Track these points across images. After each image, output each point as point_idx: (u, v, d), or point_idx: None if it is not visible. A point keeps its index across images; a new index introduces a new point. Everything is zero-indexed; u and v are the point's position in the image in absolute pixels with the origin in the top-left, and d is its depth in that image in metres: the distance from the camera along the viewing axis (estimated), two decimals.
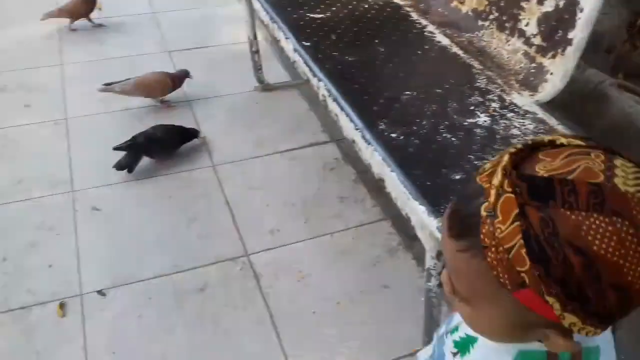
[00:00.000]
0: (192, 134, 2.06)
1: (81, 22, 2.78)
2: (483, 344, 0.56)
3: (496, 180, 0.43)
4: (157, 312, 1.50)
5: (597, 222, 0.40)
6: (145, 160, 1.97)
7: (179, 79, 2.26)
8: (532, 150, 0.46)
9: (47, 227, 1.74)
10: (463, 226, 0.46)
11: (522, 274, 0.42)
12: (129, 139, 1.95)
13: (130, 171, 1.94)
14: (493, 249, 0.43)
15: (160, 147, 2.00)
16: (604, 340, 0.54)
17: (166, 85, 2.22)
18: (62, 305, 1.52)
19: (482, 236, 0.43)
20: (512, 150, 0.45)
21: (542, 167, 0.43)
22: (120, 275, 1.60)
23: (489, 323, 0.51)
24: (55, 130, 2.13)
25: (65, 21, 2.75)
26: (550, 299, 0.42)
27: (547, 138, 0.46)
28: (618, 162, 0.43)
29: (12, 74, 2.44)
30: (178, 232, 1.74)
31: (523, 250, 0.41)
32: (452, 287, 0.51)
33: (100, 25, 2.83)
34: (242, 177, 1.96)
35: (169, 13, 3.01)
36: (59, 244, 1.69)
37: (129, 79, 2.19)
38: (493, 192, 0.43)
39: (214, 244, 1.70)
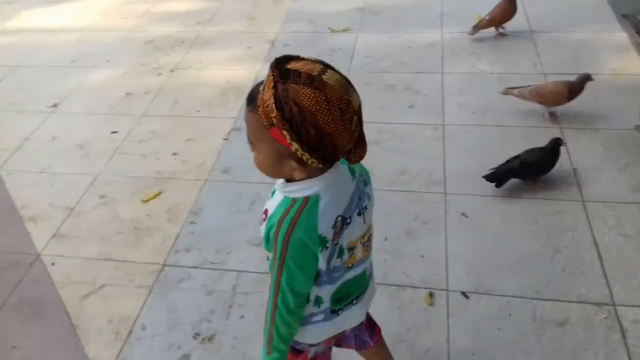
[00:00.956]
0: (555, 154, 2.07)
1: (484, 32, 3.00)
2: (277, 193, 0.97)
3: (267, 72, 0.82)
4: (516, 330, 1.57)
5: (306, 90, 0.79)
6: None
7: (578, 87, 2.28)
8: (291, 59, 0.84)
9: (422, 220, 1.96)
10: (251, 98, 0.86)
11: (272, 117, 0.81)
12: (502, 162, 2.05)
13: (498, 186, 2.04)
14: (261, 106, 0.83)
15: (531, 173, 2.06)
16: (325, 186, 0.91)
17: (561, 96, 2.28)
18: (431, 295, 1.71)
19: (257, 100, 0.84)
20: (279, 57, 0.83)
21: (290, 65, 0.82)
22: (483, 284, 1.71)
23: (263, 160, 0.90)
24: (433, 133, 2.37)
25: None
26: (285, 132, 0.81)
27: (301, 55, 0.85)
28: (330, 71, 0.83)
29: (401, 76, 2.77)
30: (541, 259, 1.78)
31: (273, 105, 0.80)
32: (249, 141, 0.91)
33: (503, 35, 3.02)
34: (614, 220, 1.88)
35: (546, 34, 3.02)
36: (431, 238, 1.89)
37: (529, 85, 2.36)
38: (267, 76, 0.82)
39: (577, 282, 1.69)
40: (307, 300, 1.01)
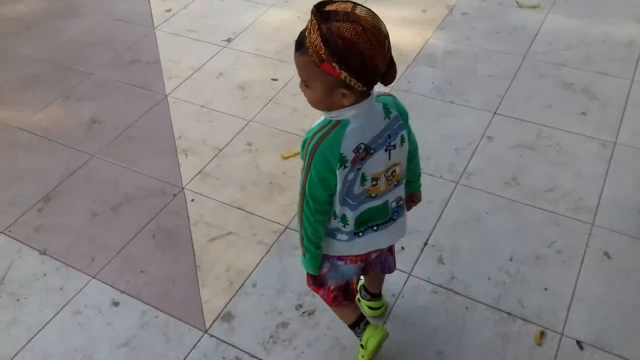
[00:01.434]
0: None
1: None
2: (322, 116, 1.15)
3: (310, 17, 0.98)
4: None
5: (346, 25, 0.96)
6: None
7: None
8: (326, 3, 1.00)
9: (556, 248, 1.80)
10: (299, 43, 1.02)
11: (322, 54, 0.98)
12: None
13: None
14: (310, 47, 0.99)
15: None
16: (356, 116, 1.09)
17: None
18: (542, 334, 1.60)
19: (306, 43, 1.00)
20: (316, 4, 0.99)
21: (327, 8, 0.98)
22: (604, 338, 1.56)
23: (316, 95, 1.07)
24: (600, 150, 2.12)
25: None
26: (334, 64, 0.98)
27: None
28: (359, 7, 1.00)
29: (581, 74, 2.48)
30: None
31: (320, 43, 0.97)
32: (302, 81, 1.09)
33: None
34: None
35: None
36: (561, 271, 1.74)
37: None
38: (309, 22, 0.99)
39: None
40: (335, 215, 1.22)
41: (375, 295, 1.63)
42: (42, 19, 3.17)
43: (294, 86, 2.54)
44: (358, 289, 1.62)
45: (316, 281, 1.38)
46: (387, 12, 3.03)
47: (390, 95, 1.19)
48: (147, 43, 2.92)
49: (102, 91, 2.62)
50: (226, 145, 2.27)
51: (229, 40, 2.88)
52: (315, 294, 1.45)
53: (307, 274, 1.36)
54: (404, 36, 2.80)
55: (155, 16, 3.10)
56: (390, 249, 1.47)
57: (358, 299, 1.64)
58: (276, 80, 2.59)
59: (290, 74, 2.60)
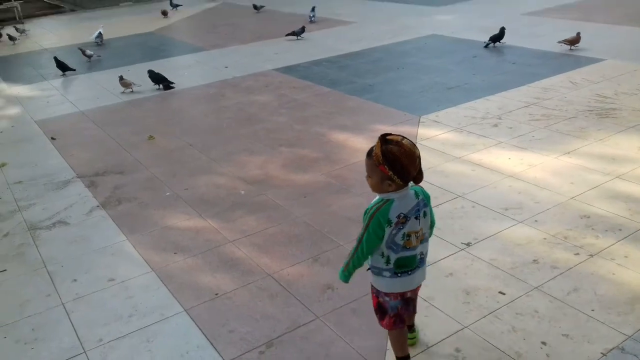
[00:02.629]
0: None
1: None
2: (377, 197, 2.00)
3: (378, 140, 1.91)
4: None
5: (396, 148, 1.87)
6: None
7: None
8: (388, 134, 1.90)
9: None
10: (369, 153, 1.94)
11: (380, 160, 1.88)
12: None
13: None
14: (375, 156, 1.90)
15: None
16: (398, 197, 1.94)
17: None
18: None
19: (372, 153, 1.91)
20: (383, 134, 1.90)
21: (388, 137, 1.89)
22: None
23: (374, 183, 1.94)
24: None
25: None
26: (386, 167, 1.87)
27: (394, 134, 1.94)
28: (405, 139, 1.92)
29: None
30: None
31: (381, 155, 1.87)
32: (367, 175, 1.97)
33: None
34: None
35: None
36: None
37: None
38: (376, 144, 1.90)
39: None
40: (382, 255, 2.01)
41: (409, 327, 2.34)
42: (319, 189, 3.80)
43: (520, 305, 2.50)
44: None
45: (382, 315, 2.16)
46: None
47: (420, 186, 2.04)
48: None
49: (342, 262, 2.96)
50: (435, 344, 2.31)
51: (468, 244, 3.02)
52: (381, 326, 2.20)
53: (378, 310, 2.18)
54: None
55: None
56: (416, 294, 2.23)
57: None
58: (503, 294, 2.59)
59: (519, 291, 2.58)
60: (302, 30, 8.51)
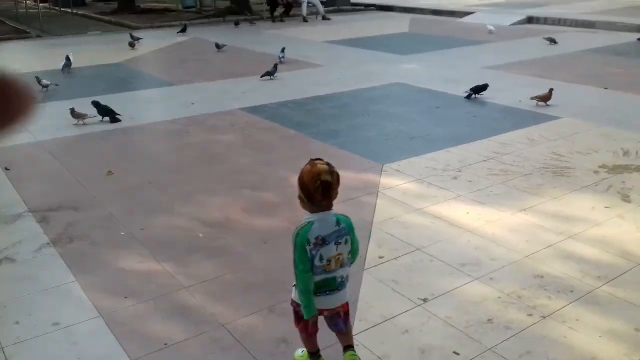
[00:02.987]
0: None
1: None
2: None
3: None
4: None
5: (307, 168, 2.18)
6: None
7: None
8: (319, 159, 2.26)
9: None
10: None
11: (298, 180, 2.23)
12: None
13: None
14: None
15: None
16: (317, 220, 2.20)
17: None
18: None
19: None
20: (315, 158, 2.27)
21: (315, 160, 2.23)
22: None
23: (302, 204, 2.25)
24: None
25: None
26: (298, 187, 2.21)
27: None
28: (323, 163, 2.20)
29: None
30: None
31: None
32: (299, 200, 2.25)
33: None
34: None
35: None
36: None
37: None
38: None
39: None
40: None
41: (345, 347, 2.47)
42: (280, 235, 3.77)
43: None
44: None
45: (298, 320, 2.42)
46: (597, 320, 2.91)
47: (345, 215, 2.31)
48: (352, 283, 3.22)
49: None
50: None
51: (425, 300, 3.03)
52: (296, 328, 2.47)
53: (295, 316, 2.44)
54: (609, 352, 2.60)
55: (368, 259, 3.45)
56: (342, 315, 2.41)
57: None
58: (458, 354, 2.59)
59: (473, 352, 2.58)
60: (275, 69, 8.60)
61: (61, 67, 9.12)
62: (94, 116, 6.35)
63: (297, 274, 2.25)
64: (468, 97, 7.20)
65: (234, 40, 12.32)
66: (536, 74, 8.43)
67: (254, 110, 6.92)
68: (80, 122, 6.27)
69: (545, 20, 14.51)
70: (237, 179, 4.77)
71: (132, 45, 11.30)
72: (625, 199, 4.23)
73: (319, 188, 2.13)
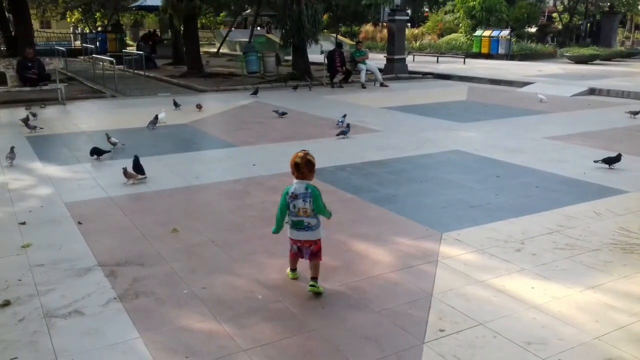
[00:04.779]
0: None
1: None
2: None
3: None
4: None
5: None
6: None
7: None
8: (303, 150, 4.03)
9: None
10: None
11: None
12: None
13: None
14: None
15: None
16: (296, 183, 3.82)
17: None
18: None
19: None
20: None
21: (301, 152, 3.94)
22: None
23: (293, 175, 3.89)
24: None
25: None
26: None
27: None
28: (305, 152, 3.89)
29: None
30: None
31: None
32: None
33: None
34: None
35: None
36: None
37: None
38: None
39: None
40: (289, 216, 3.84)
41: (312, 278, 3.87)
42: (337, 301, 3.75)
43: None
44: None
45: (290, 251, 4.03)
46: None
47: (315, 186, 3.79)
48: (411, 355, 3.15)
49: None
50: None
51: None
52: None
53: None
54: None
55: (428, 332, 3.37)
56: (310, 247, 3.87)
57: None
58: None
59: None
60: (348, 128, 9.34)
61: (147, 124, 9.76)
62: (144, 177, 6.63)
63: (277, 214, 3.89)
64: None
65: (294, 105, 12.74)
66: (599, 146, 8.26)
67: None
68: (131, 182, 6.53)
69: (608, 92, 14.30)
70: None
71: (199, 107, 11.87)
72: None
73: (292, 165, 3.82)
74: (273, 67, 18.60)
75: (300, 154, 3.80)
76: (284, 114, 11.16)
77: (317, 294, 3.82)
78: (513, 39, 27.41)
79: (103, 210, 5.61)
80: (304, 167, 3.77)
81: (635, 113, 10.67)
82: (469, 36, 29.75)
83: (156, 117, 10.00)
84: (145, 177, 6.66)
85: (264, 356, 3.12)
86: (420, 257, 4.46)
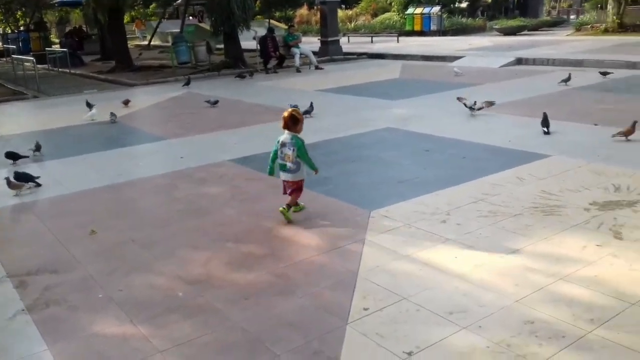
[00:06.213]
0: None
1: None
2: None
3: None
4: None
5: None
6: None
7: None
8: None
9: None
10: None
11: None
12: None
13: None
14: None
15: None
16: (285, 134, 4.85)
17: None
18: None
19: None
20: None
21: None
22: None
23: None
24: None
25: None
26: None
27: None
28: (294, 110, 5.13)
29: None
30: None
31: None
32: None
33: None
34: None
35: None
36: None
37: None
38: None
39: None
40: (278, 160, 4.85)
41: (286, 204, 4.81)
42: (262, 290, 3.66)
43: None
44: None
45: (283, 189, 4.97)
46: None
47: (300, 138, 4.78)
48: (334, 337, 3.09)
49: None
50: None
51: (410, 353, 2.89)
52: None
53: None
54: None
55: (352, 312, 3.32)
56: (289, 187, 4.89)
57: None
58: None
59: None
60: (311, 107, 9.42)
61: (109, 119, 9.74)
62: (35, 184, 6.10)
63: (271, 156, 4.87)
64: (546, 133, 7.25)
65: (228, 93, 12.48)
66: (525, 114, 8.45)
67: (244, 161, 6.90)
68: (15, 192, 5.93)
69: (534, 61, 14.70)
70: (221, 231, 4.69)
71: (126, 102, 11.43)
72: (618, 236, 4.13)
73: (282, 120, 4.79)
74: (205, 56, 18.16)
75: (289, 111, 4.86)
76: (215, 102, 10.88)
77: (287, 220, 4.77)
78: (444, 15, 27.80)
79: (15, 217, 5.30)
80: (289, 121, 4.76)
81: (566, 80, 10.95)
82: (401, 15, 29.96)
83: (112, 113, 9.70)
84: (37, 185, 6.11)
85: (181, 356, 2.99)
86: (347, 237, 4.41)
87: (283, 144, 4.73)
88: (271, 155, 4.84)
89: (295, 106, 10.10)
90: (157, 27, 31.71)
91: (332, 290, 3.61)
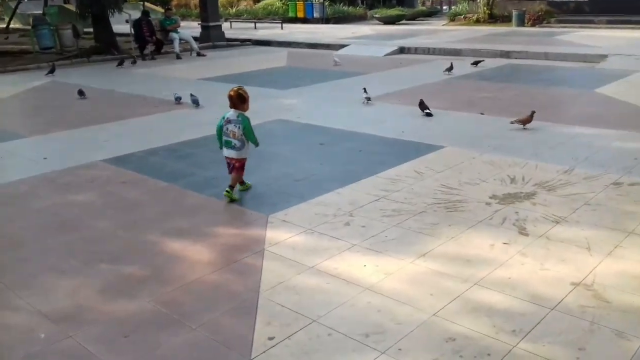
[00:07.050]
0: None
1: None
2: None
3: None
4: None
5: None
6: None
7: None
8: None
9: None
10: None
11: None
12: None
13: None
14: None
15: None
16: (231, 111, 4.89)
17: None
18: None
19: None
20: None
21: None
22: None
23: None
24: None
25: None
26: None
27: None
28: (240, 88, 4.99)
29: None
30: None
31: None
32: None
33: None
34: None
35: None
36: None
37: None
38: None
39: None
40: (223, 136, 4.90)
41: (229, 186, 4.86)
42: (145, 323, 3.07)
43: None
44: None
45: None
46: None
47: (246, 115, 4.86)
48: None
49: None
50: None
51: None
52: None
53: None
54: None
55: (255, 344, 2.86)
56: (233, 165, 4.89)
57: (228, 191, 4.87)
58: None
59: None
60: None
61: None
62: None
63: (216, 133, 4.94)
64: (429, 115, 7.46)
65: (100, 82, 11.32)
66: (414, 103, 8.40)
67: (119, 161, 6.11)
68: None
69: (416, 50, 14.98)
70: (94, 250, 3.98)
71: None
72: (522, 232, 4.03)
73: (229, 99, 4.85)
74: (71, 41, 16.44)
75: (235, 89, 4.87)
76: (81, 93, 9.74)
77: (232, 201, 4.80)
78: (326, 3, 27.78)
79: None
80: (236, 99, 4.81)
81: (449, 69, 11.13)
82: (284, 1, 29.53)
83: None
84: None
85: None
86: (245, 249, 3.92)
87: (229, 121, 4.79)
88: (216, 130, 4.92)
89: (179, 98, 9.45)
90: (16, 7, 28.55)
91: (231, 317, 3.12)
